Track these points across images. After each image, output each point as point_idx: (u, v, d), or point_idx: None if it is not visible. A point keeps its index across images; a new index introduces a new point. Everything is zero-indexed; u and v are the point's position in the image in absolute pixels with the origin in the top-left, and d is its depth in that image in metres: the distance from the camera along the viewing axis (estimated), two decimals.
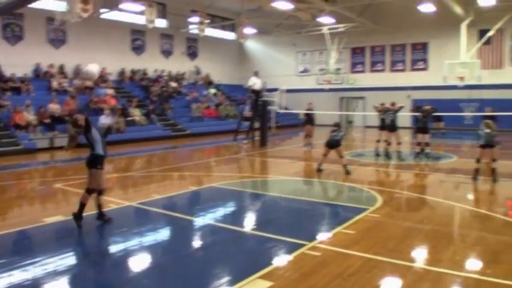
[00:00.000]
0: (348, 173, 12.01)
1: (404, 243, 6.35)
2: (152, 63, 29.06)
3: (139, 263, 5.87)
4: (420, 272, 5.31)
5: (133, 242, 6.47)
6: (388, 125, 15.36)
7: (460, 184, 11.25)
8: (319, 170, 12.47)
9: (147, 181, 11.66)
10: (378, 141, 15.93)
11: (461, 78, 24.64)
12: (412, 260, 5.70)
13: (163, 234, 7.12)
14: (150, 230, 7.19)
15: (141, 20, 24.73)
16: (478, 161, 11.25)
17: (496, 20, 24.74)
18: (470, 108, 27.47)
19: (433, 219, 7.73)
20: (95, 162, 7.29)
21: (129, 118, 22.26)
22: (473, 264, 5.70)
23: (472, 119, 26.60)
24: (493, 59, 27.77)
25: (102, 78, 24.05)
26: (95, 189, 7.31)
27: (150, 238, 6.76)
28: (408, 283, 5.05)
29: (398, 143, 15.28)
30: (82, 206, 7.17)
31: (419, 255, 6.02)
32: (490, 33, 25.64)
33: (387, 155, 15.26)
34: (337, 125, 12.89)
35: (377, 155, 15.77)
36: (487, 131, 11.13)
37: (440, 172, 13.09)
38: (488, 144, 11.11)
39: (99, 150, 7.33)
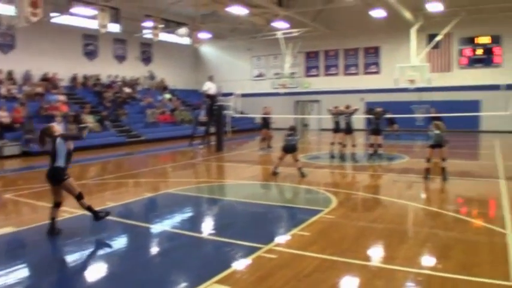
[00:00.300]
0: (303, 175, 12.13)
1: (359, 242, 6.48)
2: (105, 69, 28.55)
3: (94, 272, 5.76)
4: (374, 270, 5.44)
5: (87, 252, 6.35)
6: (344, 128, 15.63)
7: (412, 183, 11.57)
8: (274, 173, 12.57)
9: (101, 189, 11.44)
10: (332, 143, 16.21)
11: (412, 81, 25.32)
12: (366, 259, 5.82)
13: (118, 242, 6.99)
14: (105, 238, 7.06)
15: (93, 24, 24.25)
16: (428, 160, 11.62)
17: (443, 24, 25.59)
18: (421, 110, 28.21)
19: (386, 218, 7.93)
20: (60, 175, 7.02)
21: (82, 125, 21.69)
22: (425, 260, 5.88)
23: (423, 121, 27.33)
24: (441, 62, 28.73)
25: (53, 84, 23.47)
26: (61, 202, 7.20)
27: (105, 247, 6.65)
28: (362, 282, 5.18)
29: (353, 145, 15.58)
30: (90, 209, 7.28)
31: (373, 253, 6.16)
32: (439, 38, 26.49)
33: (342, 157, 15.53)
34: (292, 129, 13.00)
35: (332, 157, 16.03)
36: (437, 132, 11.52)
37: (393, 172, 13.42)
38: (437, 144, 11.50)
39: (61, 162, 7.03)
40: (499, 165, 14.03)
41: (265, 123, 19.04)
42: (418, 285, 5.07)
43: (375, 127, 15.90)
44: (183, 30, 26.06)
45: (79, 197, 7.21)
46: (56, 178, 7.03)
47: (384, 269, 5.46)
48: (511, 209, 8.31)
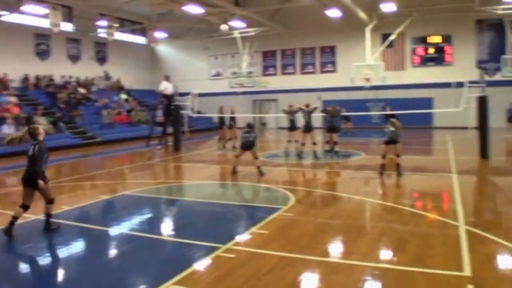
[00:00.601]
0: (261, 174, 12.17)
1: (317, 239, 6.54)
2: (59, 69, 27.81)
3: (49, 278, 5.59)
4: (332, 266, 5.50)
5: (42, 257, 6.17)
6: (303, 126, 15.71)
7: (368, 179, 11.78)
8: (234, 172, 12.56)
9: (56, 192, 11.03)
10: (289, 141, 16.36)
11: (367, 80, 25.83)
12: (324, 255, 5.88)
13: (74, 246, 6.78)
14: (60, 243, 6.85)
15: (45, 23, 23.60)
16: (383, 157, 11.87)
17: (397, 24, 26.20)
18: (376, 107, 28.83)
19: (343, 215, 8.04)
20: (38, 178, 6.99)
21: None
22: (381, 254, 5.99)
23: (378, 118, 27.91)
24: (395, 61, 29.39)
25: (4, 85, 22.71)
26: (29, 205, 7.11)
27: (61, 252, 6.47)
28: (321, 277, 5.24)
29: (314, 143, 15.70)
30: (48, 216, 7.23)
31: (331, 249, 6.24)
32: (392, 37, 27.09)
33: (299, 155, 15.64)
34: (250, 126, 13.01)
35: (287, 155, 16.17)
36: (392, 129, 11.79)
37: (350, 169, 13.63)
38: (391, 141, 11.76)
39: (41, 166, 7.05)
40: (451, 160, 14.46)
41: (222, 122, 19.01)
42: (374, 278, 5.15)
43: (329, 125, 16.18)
44: (225, 26, 25.64)
45: (50, 202, 7.29)
46: (33, 181, 6.98)
47: (342, 264, 5.53)
48: (462, 202, 8.58)
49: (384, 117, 17.38)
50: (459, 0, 25.37)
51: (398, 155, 11.81)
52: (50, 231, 7.23)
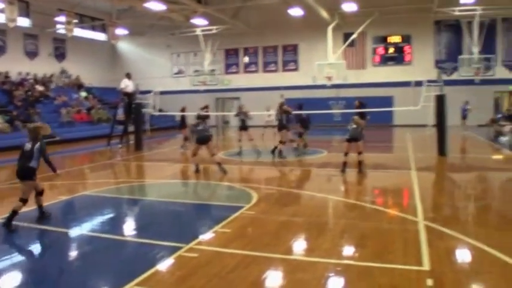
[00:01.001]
0: (223, 171, 12.11)
1: (279, 237, 6.55)
2: (15, 66, 27.03)
3: (6, 283, 5.37)
4: (294, 263, 5.52)
5: None
6: (278, 125, 15.73)
7: (330, 177, 11.90)
8: (197, 171, 12.47)
9: (12, 193, 10.75)
10: (239, 140, 16.53)
11: (329, 78, 26.10)
12: (286, 253, 5.89)
13: (33, 249, 6.61)
14: (18, 245, 6.66)
15: (0, 18, 22.86)
16: (345, 154, 12.00)
17: (358, 24, 26.61)
18: (338, 106, 29.23)
19: (305, 212, 8.11)
20: (30, 174, 7.61)
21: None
22: (343, 250, 6.06)
23: (340, 116, 28.26)
24: (357, 60, 29.86)
25: None
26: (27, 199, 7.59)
27: (18, 254, 6.26)
28: (284, 275, 5.25)
29: (281, 142, 15.63)
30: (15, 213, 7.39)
31: (294, 247, 6.25)
32: (354, 36, 27.48)
33: (258, 153, 15.72)
34: (199, 117, 12.93)
35: (239, 153, 16.25)
36: (354, 126, 11.93)
37: (312, 167, 13.75)
38: (353, 138, 11.89)
39: (34, 163, 7.65)
40: (410, 157, 14.77)
41: (184, 121, 18.87)
42: (337, 275, 5.20)
43: (285, 123, 16.09)
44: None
45: (41, 193, 7.99)
46: (26, 176, 7.62)
47: (304, 261, 5.56)
48: (421, 198, 8.77)
49: (347, 115, 17.65)
50: (418, 2, 25.95)
51: (360, 153, 11.97)
52: (46, 218, 7.87)
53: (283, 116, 15.64)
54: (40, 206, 7.97)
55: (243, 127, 16.78)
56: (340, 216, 8.02)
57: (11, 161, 16.84)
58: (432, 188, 10.85)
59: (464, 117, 22.90)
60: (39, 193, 7.92)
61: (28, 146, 7.72)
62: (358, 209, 8.39)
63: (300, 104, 17.48)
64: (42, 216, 7.93)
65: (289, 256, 5.78)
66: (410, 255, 5.66)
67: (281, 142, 15.44)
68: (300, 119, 16.81)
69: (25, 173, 7.61)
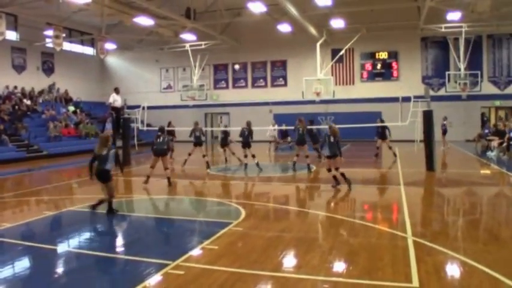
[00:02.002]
0: (170, 184, 12.42)
1: (267, 253, 6.48)
2: (2, 79, 26.87)
3: None
4: (282, 281, 5.45)
5: None
6: (298, 140, 15.89)
7: (319, 192, 11.87)
8: (146, 182, 12.91)
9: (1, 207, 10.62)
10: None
11: (318, 94, 26.20)
12: (274, 270, 5.82)
13: (17, 266, 6.42)
14: (1, 262, 6.47)
15: None
16: (329, 170, 11.99)
17: (346, 40, 26.80)
18: (327, 121, 29.33)
19: (294, 228, 8.04)
20: (108, 176, 9.26)
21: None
22: (331, 267, 5.99)
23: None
24: (345, 75, 30.06)
25: None
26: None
27: (1, 271, 6.10)
28: None
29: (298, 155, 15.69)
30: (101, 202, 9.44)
31: (281, 264, 6.17)
32: (342, 52, 27.68)
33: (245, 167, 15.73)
34: (161, 130, 13.13)
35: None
36: (331, 140, 11.83)
37: (302, 182, 13.71)
38: (333, 155, 11.85)
39: (109, 166, 9.26)
40: (399, 172, 14.80)
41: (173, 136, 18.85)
42: None
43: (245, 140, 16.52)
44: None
45: (112, 197, 9.43)
46: (104, 178, 9.22)
47: (292, 279, 5.50)
48: (410, 213, 8.76)
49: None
50: (405, 18, 26.27)
51: (337, 169, 11.89)
52: (114, 213, 9.32)
53: (304, 132, 15.88)
54: (110, 202, 9.41)
55: (198, 143, 17.06)
56: (329, 232, 7.98)
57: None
58: (421, 203, 10.85)
59: (444, 132, 22.99)
60: (111, 196, 9.50)
61: (103, 151, 9.21)
62: (347, 224, 8.35)
63: (311, 119, 17.97)
64: (111, 210, 9.31)
65: (277, 273, 5.70)
66: (399, 271, 5.62)
67: (298, 155, 15.94)
68: (311, 134, 17.61)
69: (104, 175, 9.21)
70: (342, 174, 11.88)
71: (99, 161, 9.18)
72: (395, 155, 18.95)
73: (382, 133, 19.36)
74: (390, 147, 19.17)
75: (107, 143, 9.43)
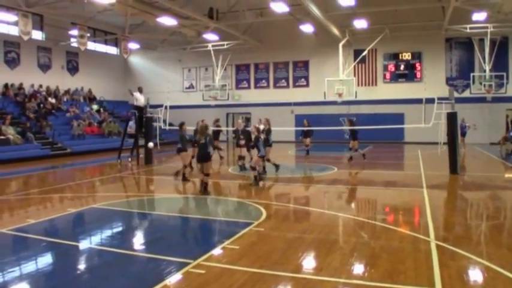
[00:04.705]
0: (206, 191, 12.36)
1: (287, 254, 6.46)
2: (28, 78, 27.31)
3: None
4: (303, 282, 5.42)
5: (6, 273, 5.86)
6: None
7: (340, 194, 11.79)
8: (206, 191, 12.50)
9: (22, 204, 10.81)
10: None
11: (340, 95, 26.08)
12: (295, 271, 5.79)
13: (40, 261, 6.52)
14: (25, 258, 6.59)
15: (14, 30, 23.15)
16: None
17: (369, 41, 26.61)
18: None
19: (315, 229, 7.99)
20: (209, 157, 11.54)
21: (2, 137, 20.64)
22: (353, 269, 5.94)
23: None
24: (367, 76, 29.80)
25: None
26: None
27: (25, 267, 6.20)
28: None
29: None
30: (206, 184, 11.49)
31: (302, 265, 6.14)
32: (364, 53, 27.50)
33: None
34: (202, 132, 12.74)
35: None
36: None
37: (323, 183, 13.64)
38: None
39: (209, 149, 11.56)
40: (422, 174, 14.63)
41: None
42: None
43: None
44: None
45: (208, 174, 11.45)
46: (205, 159, 11.34)
47: (312, 280, 5.47)
48: (433, 217, 8.65)
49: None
50: (429, 19, 25.96)
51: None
52: (206, 193, 11.27)
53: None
54: (206, 184, 11.37)
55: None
56: (350, 234, 7.92)
57: (23, 172, 17.07)
58: (444, 206, 10.71)
59: (463, 134, 22.61)
60: (207, 174, 11.38)
61: (202, 140, 11.26)
62: (369, 227, 8.28)
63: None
64: (205, 191, 11.30)
65: (298, 274, 5.68)
66: (422, 275, 5.55)
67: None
68: (352, 132, 18.43)
69: (206, 157, 11.35)
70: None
71: (201, 147, 11.29)
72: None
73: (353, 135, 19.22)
74: (356, 150, 18.63)
75: (206, 130, 11.60)
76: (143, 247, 7.28)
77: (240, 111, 33.32)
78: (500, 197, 11.80)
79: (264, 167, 14.61)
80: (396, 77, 29.48)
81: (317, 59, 31.00)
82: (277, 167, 15.07)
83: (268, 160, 14.92)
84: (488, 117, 27.14)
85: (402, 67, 29.35)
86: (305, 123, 21.39)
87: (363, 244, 7.07)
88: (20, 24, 21.16)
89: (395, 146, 26.24)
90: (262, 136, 13.82)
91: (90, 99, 31.15)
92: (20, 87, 26.49)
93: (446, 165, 14.77)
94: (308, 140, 21.27)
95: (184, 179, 13.82)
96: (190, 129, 16.13)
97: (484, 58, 25.99)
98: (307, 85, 31.86)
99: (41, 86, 27.86)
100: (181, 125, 14.20)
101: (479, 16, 22.34)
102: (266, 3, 22.85)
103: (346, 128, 20.69)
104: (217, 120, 20.98)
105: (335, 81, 26.49)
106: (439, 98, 15.55)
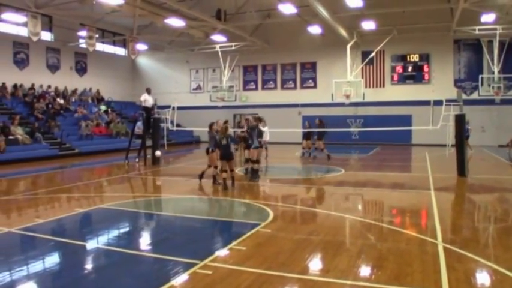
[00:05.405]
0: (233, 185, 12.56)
1: (294, 256, 6.46)
2: (37, 78, 27.49)
3: None
4: (309, 284, 5.42)
5: (14, 272, 5.91)
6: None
7: (347, 195, 11.77)
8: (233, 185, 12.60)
9: (30, 204, 10.88)
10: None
11: (348, 96, 26.05)
12: (301, 272, 5.79)
13: (47, 261, 6.57)
14: (33, 257, 6.64)
15: (24, 31, 23.29)
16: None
17: (377, 42, 26.55)
18: (356, 124, 29.14)
19: (322, 231, 7.98)
20: (232, 156, 12.43)
21: (11, 137, 20.78)
22: (359, 271, 5.92)
23: (358, 134, 28.24)
24: (375, 78, 29.72)
25: None
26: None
27: (33, 266, 6.25)
28: None
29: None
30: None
31: (309, 266, 6.14)
32: (372, 55, 27.45)
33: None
34: (223, 132, 12.62)
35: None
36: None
37: (329, 185, 13.62)
38: None
39: (233, 149, 12.44)
40: (429, 176, 14.58)
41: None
42: None
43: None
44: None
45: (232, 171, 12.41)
46: (229, 158, 12.15)
47: (319, 282, 5.47)
48: (440, 219, 8.62)
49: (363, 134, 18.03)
50: (437, 20, 25.85)
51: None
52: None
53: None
54: (233, 177, 12.47)
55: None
56: (357, 236, 7.91)
57: (31, 171, 17.17)
58: (451, 209, 10.66)
59: (466, 137, 22.39)
60: (232, 170, 12.35)
61: (224, 141, 12.07)
62: (376, 229, 8.27)
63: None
64: (233, 183, 12.43)
65: (305, 276, 5.68)
66: (429, 278, 5.53)
67: None
68: (320, 132, 19.21)
69: (230, 156, 12.16)
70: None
71: (224, 147, 12.05)
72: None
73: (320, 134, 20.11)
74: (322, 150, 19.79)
75: (226, 131, 12.32)
76: (150, 247, 7.30)
77: (247, 112, 33.29)
78: (508, 199, 11.72)
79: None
80: (404, 79, 29.35)
81: (325, 60, 30.95)
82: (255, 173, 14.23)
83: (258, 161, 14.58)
84: (497, 120, 26.97)
85: (410, 69, 29.22)
86: (317, 123, 20.36)
87: (370, 246, 7.06)
88: (29, 25, 21.27)
89: (403, 148, 26.15)
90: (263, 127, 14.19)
91: (98, 99, 31.30)
92: (31, 87, 26.67)
93: (454, 168, 14.72)
94: (321, 143, 20.02)
95: (215, 182, 13.18)
96: (199, 130, 16.13)
97: (492, 60, 25.84)
98: (314, 86, 31.81)
99: (49, 86, 28.01)
100: (211, 125, 13.34)
101: (487, 18, 22.23)
102: (274, 5, 22.89)
103: (310, 129, 20.94)
104: (225, 122, 20.89)
105: (343, 83, 26.47)
106: (447, 100, 15.49)
